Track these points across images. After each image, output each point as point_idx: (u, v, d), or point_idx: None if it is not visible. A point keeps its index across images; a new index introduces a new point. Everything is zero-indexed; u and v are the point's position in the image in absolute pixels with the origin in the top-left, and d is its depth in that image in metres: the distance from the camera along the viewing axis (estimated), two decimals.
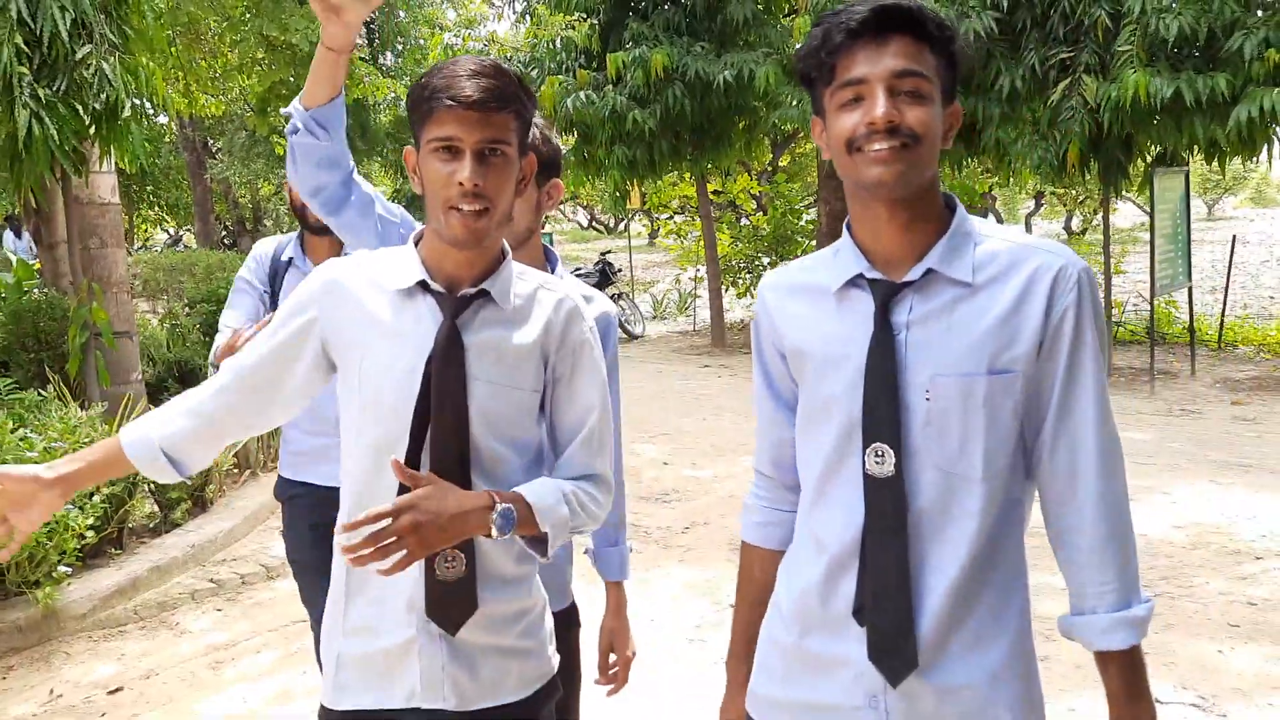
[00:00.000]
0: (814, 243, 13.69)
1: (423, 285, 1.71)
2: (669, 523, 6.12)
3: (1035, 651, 1.55)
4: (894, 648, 1.46)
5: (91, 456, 1.77)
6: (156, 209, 24.39)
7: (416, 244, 1.76)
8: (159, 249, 28.10)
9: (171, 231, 32.66)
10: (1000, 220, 29.46)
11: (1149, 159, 10.67)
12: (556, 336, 1.75)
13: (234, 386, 1.78)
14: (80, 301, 6.29)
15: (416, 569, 1.68)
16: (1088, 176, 10.93)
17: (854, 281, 1.51)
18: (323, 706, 1.82)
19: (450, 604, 1.71)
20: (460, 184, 1.60)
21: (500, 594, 1.75)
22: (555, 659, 1.88)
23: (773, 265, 15.27)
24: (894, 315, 1.47)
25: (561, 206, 38.31)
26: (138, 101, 5.76)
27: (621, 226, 36.60)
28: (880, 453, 1.46)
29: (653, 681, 4.03)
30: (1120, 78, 8.94)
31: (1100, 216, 16.04)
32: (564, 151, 13.60)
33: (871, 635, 1.48)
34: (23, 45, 5.15)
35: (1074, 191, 26.09)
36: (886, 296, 1.47)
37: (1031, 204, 33.10)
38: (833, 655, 1.53)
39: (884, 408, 1.45)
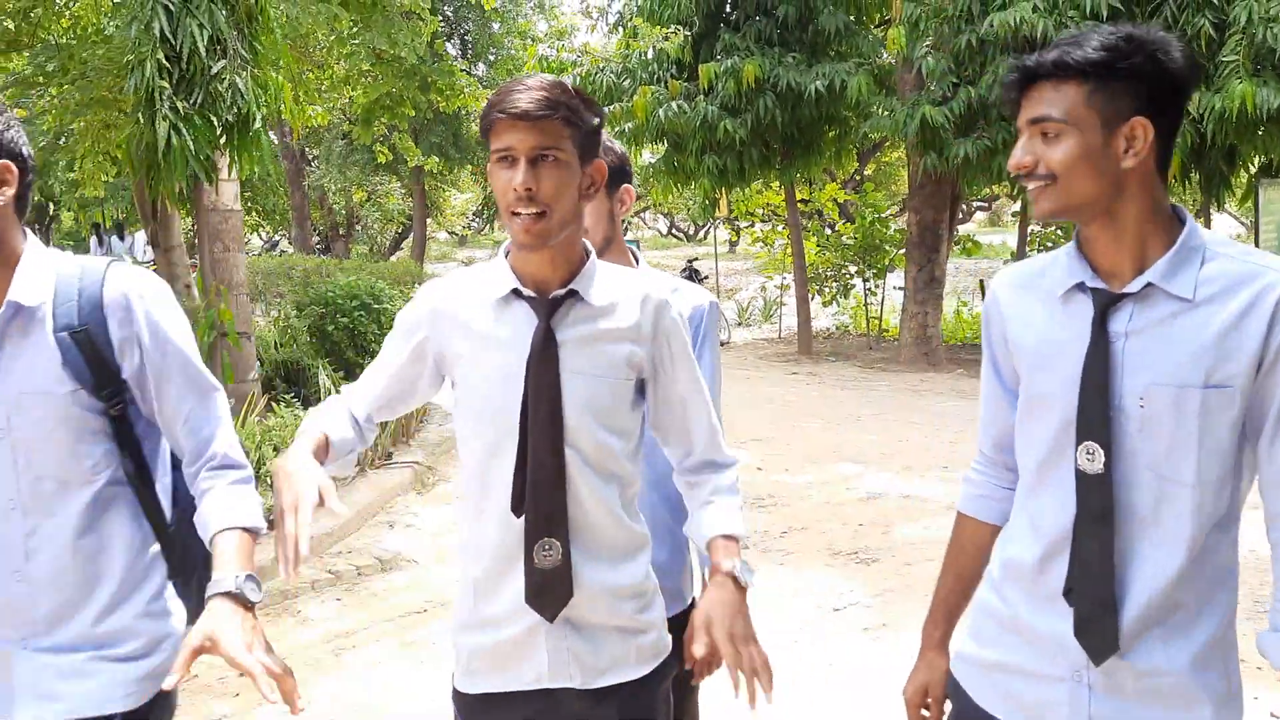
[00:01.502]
0: (903, 251, 13.65)
1: (516, 292, 1.83)
2: (766, 527, 6.21)
3: (1236, 645, 1.62)
4: (1097, 629, 1.56)
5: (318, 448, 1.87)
6: (255, 214, 25.13)
7: (507, 255, 1.88)
8: (256, 252, 28.92)
9: (266, 236, 33.60)
10: None
11: (1253, 170, 10.46)
12: (649, 328, 1.86)
13: (369, 415, 1.96)
14: (209, 303, 6.59)
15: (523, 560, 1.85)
16: (1188, 187, 10.77)
17: (1078, 287, 1.60)
18: (455, 689, 1.96)
19: (547, 591, 1.82)
20: (515, 189, 1.71)
21: (614, 576, 1.88)
22: (669, 638, 2.00)
23: (860, 274, 15.23)
24: (1111, 324, 1.56)
25: (641, 214, 38.51)
26: (265, 114, 6.04)
27: (703, 234, 36.67)
28: (1091, 451, 1.56)
29: None
30: (1225, 88, 8.81)
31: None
32: (654, 160, 13.77)
33: (1077, 615, 1.58)
34: (164, 61, 5.46)
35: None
36: (1105, 306, 1.56)
37: None
38: (1043, 629, 1.64)
39: (1096, 410, 1.55)
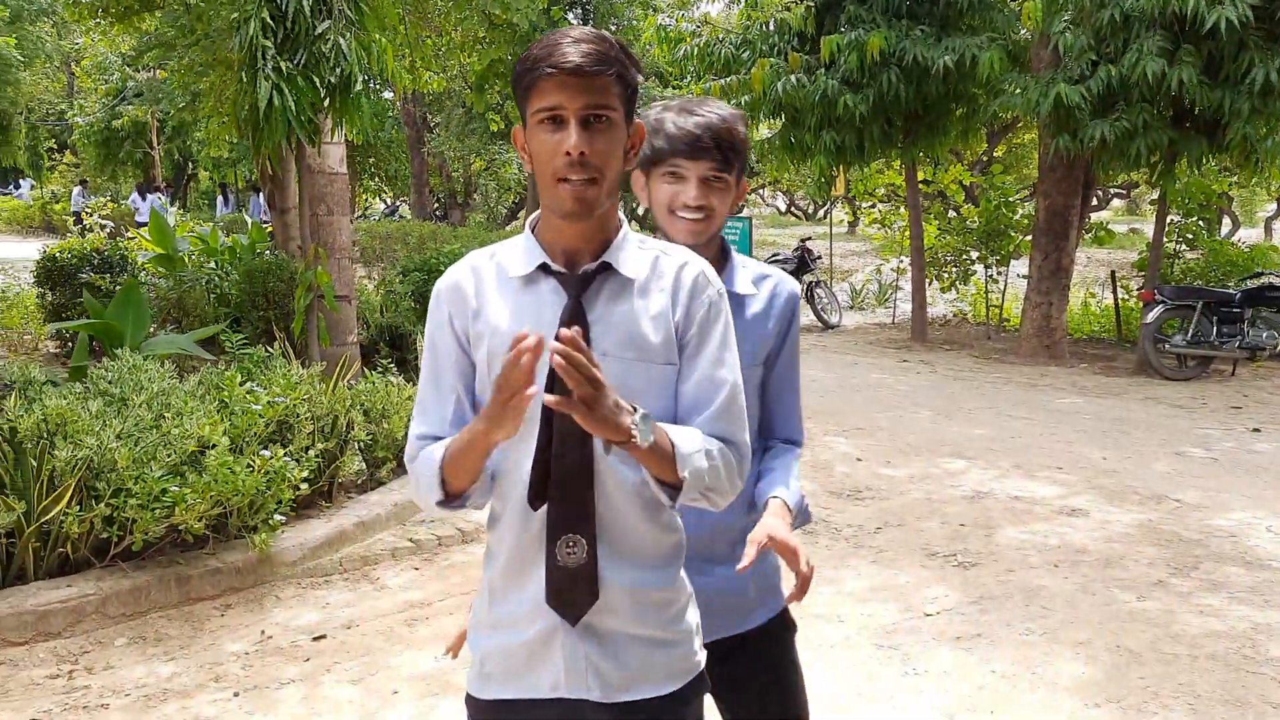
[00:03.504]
0: (1029, 238, 13.04)
1: (544, 268, 1.68)
2: (861, 521, 5.94)
3: None
4: None
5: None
6: (377, 180, 25.63)
7: (534, 229, 1.73)
8: (376, 218, 29.54)
9: (389, 202, 34.30)
10: (1236, 224, 27.30)
11: None
12: (683, 304, 1.70)
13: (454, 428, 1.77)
14: (307, 265, 6.63)
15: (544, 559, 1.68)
16: None
17: None
18: (468, 694, 1.83)
19: (570, 591, 1.68)
20: (567, 153, 1.56)
21: (640, 581, 1.71)
22: (702, 654, 1.83)
23: (982, 260, 14.64)
24: None
25: (759, 191, 37.99)
26: (368, 77, 6.01)
27: (821, 213, 36.02)
28: None
29: (834, 691, 3.91)
30: None
31: None
32: (771, 135, 13.44)
33: None
34: (268, 20, 5.45)
35: None
36: None
37: (1274, 207, 30.55)
38: None
39: None
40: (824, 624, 4.49)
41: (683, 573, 1.81)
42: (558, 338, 1.45)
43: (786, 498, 2.06)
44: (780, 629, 2.18)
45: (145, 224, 15.61)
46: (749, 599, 2.13)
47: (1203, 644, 4.31)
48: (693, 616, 1.82)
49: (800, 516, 2.11)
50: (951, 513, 6.09)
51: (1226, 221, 24.59)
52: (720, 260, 2.12)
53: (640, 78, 1.68)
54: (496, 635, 1.76)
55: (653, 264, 1.72)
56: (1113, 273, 14.33)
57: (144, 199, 21.58)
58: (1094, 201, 15.91)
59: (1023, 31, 12.14)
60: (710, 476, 1.64)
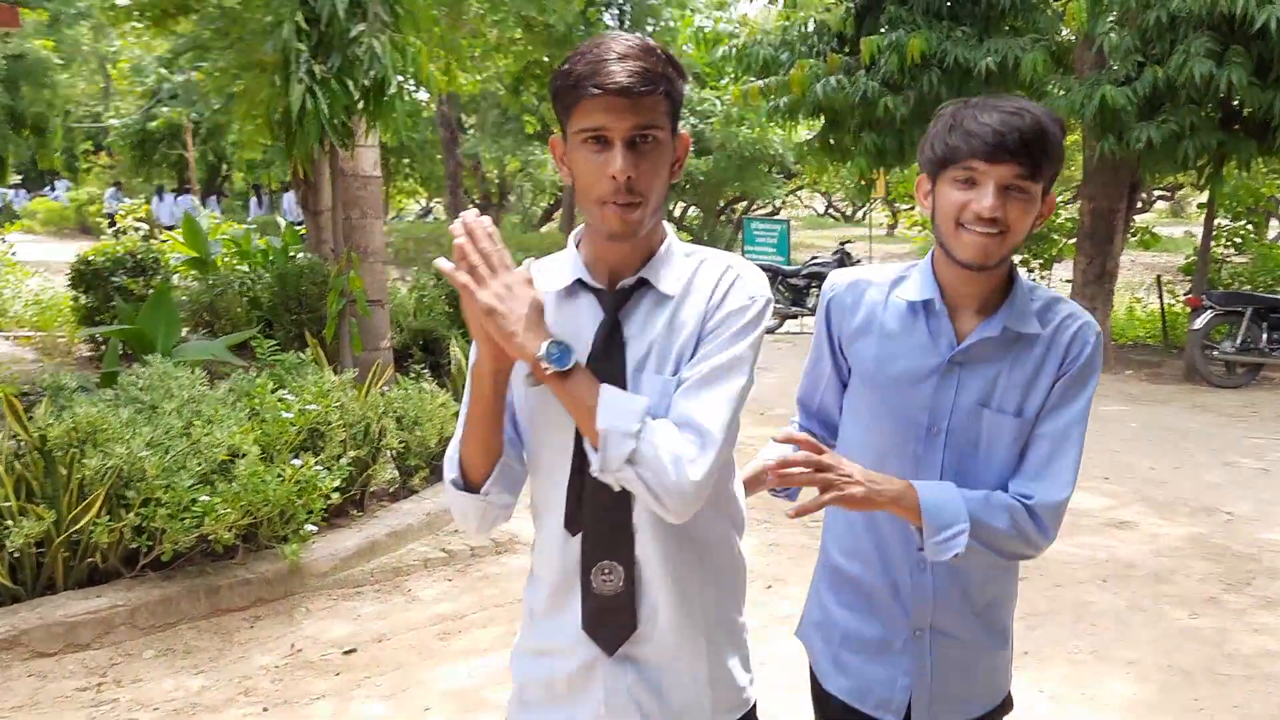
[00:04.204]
0: (1073, 241, 12.79)
1: (580, 283, 1.61)
2: None
3: None
4: None
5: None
6: (411, 181, 25.69)
7: (578, 244, 1.68)
8: (411, 219, 29.61)
9: (423, 203, 34.41)
10: None
11: None
12: (716, 304, 1.59)
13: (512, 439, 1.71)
14: (340, 270, 6.58)
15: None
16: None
17: None
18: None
19: (607, 620, 1.61)
20: (613, 177, 1.48)
21: (687, 607, 1.63)
22: (752, 690, 1.74)
23: (1024, 264, 14.40)
24: None
25: (798, 193, 37.83)
26: (402, 79, 5.94)
27: (861, 215, 35.76)
28: None
29: None
30: None
31: None
32: (810, 136, 13.29)
33: None
34: (302, 23, 5.40)
35: None
36: None
37: None
38: None
39: None
40: None
41: (738, 596, 1.72)
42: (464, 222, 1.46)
43: (929, 490, 1.74)
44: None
45: (169, 227, 15.73)
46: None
47: (1258, 663, 4.16)
48: (746, 646, 1.73)
49: (942, 532, 1.72)
50: None
51: (1274, 224, 24.10)
52: (1004, 289, 1.83)
53: (686, 87, 1.59)
54: (539, 663, 1.71)
55: (694, 272, 1.62)
56: (1159, 277, 14.05)
57: (161, 200, 21.77)
58: (1139, 205, 15.61)
59: (1065, 33, 11.91)
60: (637, 461, 1.46)
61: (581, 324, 1.60)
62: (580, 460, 1.58)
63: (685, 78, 1.58)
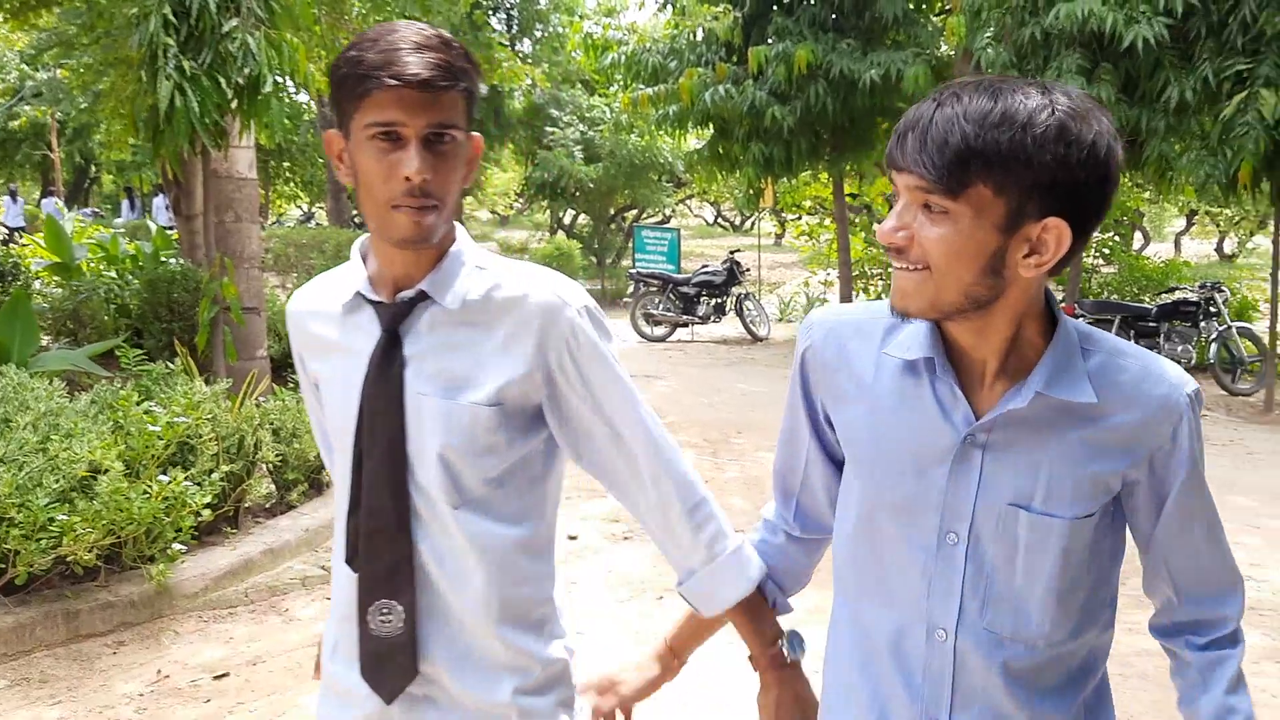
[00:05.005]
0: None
1: (361, 295, 1.48)
2: None
3: None
4: None
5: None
6: (292, 185, 25.01)
7: (363, 252, 1.54)
8: (292, 224, 28.87)
9: (305, 209, 33.57)
10: (1147, 240, 28.05)
11: None
12: (532, 337, 1.45)
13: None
14: (212, 276, 6.31)
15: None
16: (1258, 196, 10.21)
17: None
18: None
19: (384, 665, 1.48)
20: (407, 178, 1.35)
21: (484, 648, 1.50)
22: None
23: None
24: None
25: (688, 202, 38.15)
26: (280, 78, 5.71)
27: (749, 225, 36.23)
28: None
29: None
30: None
31: (1266, 239, 15.08)
32: (699, 145, 13.36)
33: None
34: (170, 17, 5.14)
35: (1229, 212, 24.66)
36: None
37: (1182, 223, 31.49)
38: None
39: None
40: None
41: (551, 634, 1.57)
42: None
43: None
44: None
45: (16, 229, 14.97)
46: None
47: (1133, 662, 4.22)
48: (565, 683, 1.58)
49: None
50: None
51: (1138, 236, 25.25)
52: (1037, 340, 1.32)
53: (482, 85, 1.47)
54: (328, 701, 1.58)
55: (490, 288, 1.48)
56: None
57: (15, 202, 20.86)
58: None
59: (946, 47, 12.24)
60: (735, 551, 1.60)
61: (364, 339, 1.48)
62: (356, 493, 1.47)
63: (482, 76, 1.47)
